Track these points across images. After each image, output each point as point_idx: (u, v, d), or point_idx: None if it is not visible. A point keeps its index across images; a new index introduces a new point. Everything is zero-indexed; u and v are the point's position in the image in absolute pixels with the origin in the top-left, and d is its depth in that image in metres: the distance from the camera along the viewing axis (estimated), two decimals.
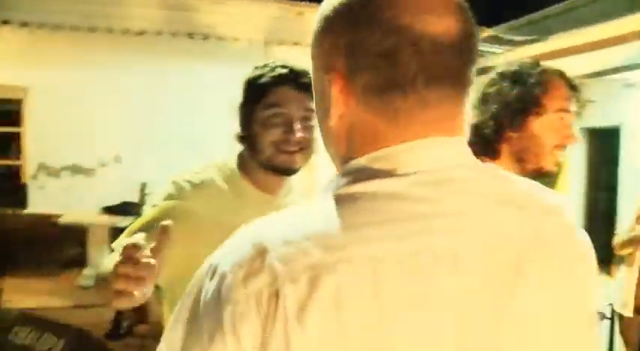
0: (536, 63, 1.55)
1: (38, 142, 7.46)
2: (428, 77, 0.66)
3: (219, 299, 0.61)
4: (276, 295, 0.59)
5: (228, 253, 0.64)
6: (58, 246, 7.26)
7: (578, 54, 5.17)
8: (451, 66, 0.68)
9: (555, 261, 0.69)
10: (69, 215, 6.51)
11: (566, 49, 5.16)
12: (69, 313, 4.87)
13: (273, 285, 0.60)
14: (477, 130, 1.51)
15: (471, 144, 1.50)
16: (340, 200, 0.65)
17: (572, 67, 6.34)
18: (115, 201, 6.43)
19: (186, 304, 0.66)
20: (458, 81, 0.69)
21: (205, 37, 5.21)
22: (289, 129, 1.43)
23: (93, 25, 5.03)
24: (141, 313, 4.72)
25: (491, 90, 1.52)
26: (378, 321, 0.60)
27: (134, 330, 4.75)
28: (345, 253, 0.60)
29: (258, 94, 1.48)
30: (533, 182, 0.77)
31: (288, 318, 0.59)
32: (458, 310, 0.63)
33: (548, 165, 1.50)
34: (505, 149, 1.51)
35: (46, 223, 7.08)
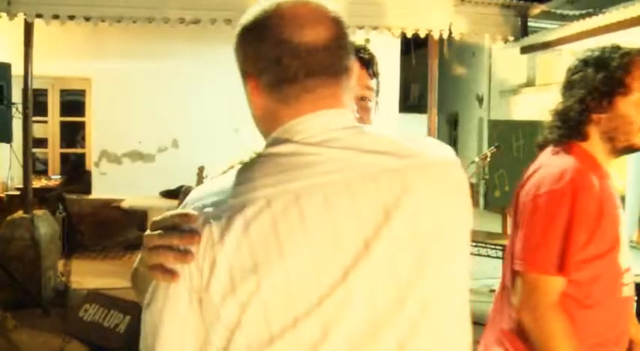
0: (617, 46, 1.64)
1: (100, 130, 7.78)
2: (306, 71, 0.94)
3: None
4: (207, 226, 0.89)
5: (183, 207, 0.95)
6: (121, 229, 7.59)
7: (634, 27, 5.01)
8: (324, 62, 0.95)
9: (413, 190, 0.92)
10: (130, 200, 6.74)
11: (623, 22, 5.01)
12: (132, 293, 5.11)
13: (205, 223, 0.89)
14: (563, 115, 1.65)
15: (558, 128, 1.59)
16: (256, 160, 0.95)
17: (631, 39, 6.19)
18: (173, 185, 6.63)
19: None
20: (332, 71, 0.96)
21: None
22: None
23: (150, 15, 5.18)
24: None
25: (576, 77, 1.62)
26: (273, 236, 0.87)
27: None
28: (249, 196, 0.89)
29: None
30: (418, 138, 1.01)
31: (214, 241, 0.88)
32: (330, 228, 0.89)
33: (638, 141, 1.59)
34: (593, 131, 1.61)
35: (109, 207, 7.41)
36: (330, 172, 0.90)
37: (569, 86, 1.65)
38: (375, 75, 1.52)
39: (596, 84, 1.58)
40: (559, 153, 1.63)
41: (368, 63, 1.49)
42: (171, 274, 0.89)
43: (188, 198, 0.95)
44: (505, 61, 12.73)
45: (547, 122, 1.71)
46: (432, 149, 0.99)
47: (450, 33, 5.73)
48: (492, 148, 4.91)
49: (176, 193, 6.77)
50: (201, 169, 5.03)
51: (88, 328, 3.84)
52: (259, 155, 0.96)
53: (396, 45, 7.80)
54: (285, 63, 0.93)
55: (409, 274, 0.91)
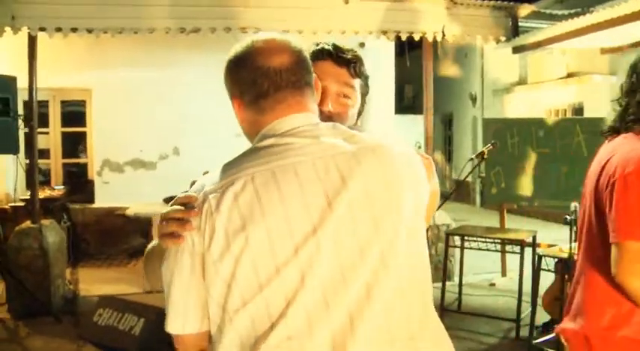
0: None
1: (102, 140, 7.87)
2: (275, 87, 1.24)
3: None
4: (206, 201, 1.15)
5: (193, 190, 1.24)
6: (125, 237, 7.68)
7: (621, 25, 5.15)
8: (288, 79, 1.24)
9: (364, 163, 1.18)
10: (134, 207, 6.83)
11: (609, 21, 5.16)
12: (140, 298, 5.18)
13: (204, 198, 1.16)
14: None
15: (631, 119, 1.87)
16: (244, 153, 1.23)
17: (618, 37, 6.28)
18: (175, 192, 6.71)
19: None
20: (297, 85, 1.26)
21: (256, 31, 5.43)
22: (320, 102, 1.48)
23: (151, 26, 5.29)
24: None
25: None
26: (257, 202, 1.13)
27: None
28: (237, 175, 1.16)
29: None
30: (376, 134, 1.28)
31: (212, 211, 1.14)
32: (300, 194, 1.14)
33: None
34: None
35: (113, 215, 7.50)
36: (299, 154, 1.18)
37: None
38: (357, 75, 1.65)
39: None
40: (632, 138, 1.85)
41: (348, 62, 1.62)
42: (177, 238, 1.16)
43: (193, 186, 1.24)
44: (497, 60, 12.90)
45: (617, 112, 1.93)
46: (385, 140, 1.26)
47: (444, 35, 5.87)
48: (489, 145, 5.03)
49: None
50: (205, 174, 5.16)
51: (102, 332, 3.92)
52: (247, 150, 1.25)
53: (391, 48, 7.93)
54: (259, 83, 1.24)
55: (366, 228, 1.15)
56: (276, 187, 1.14)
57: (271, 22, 5.26)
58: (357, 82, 1.65)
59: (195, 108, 7.73)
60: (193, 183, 1.28)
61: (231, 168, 1.20)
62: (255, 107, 1.26)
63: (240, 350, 1.15)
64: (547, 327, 4.68)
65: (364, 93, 1.70)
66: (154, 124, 7.73)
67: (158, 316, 3.93)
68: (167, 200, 7.16)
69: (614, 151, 1.84)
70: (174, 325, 1.20)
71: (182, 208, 1.18)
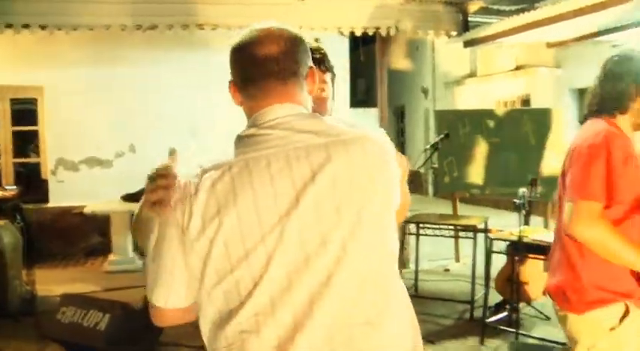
0: None
1: (55, 138, 7.74)
2: (262, 75, 1.32)
3: None
4: (189, 184, 1.26)
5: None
6: (82, 236, 7.59)
7: (565, 20, 5.40)
8: (273, 70, 1.32)
9: (334, 158, 1.25)
10: (92, 205, 6.76)
11: (553, 17, 5.40)
12: (100, 296, 5.16)
13: (188, 183, 1.26)
14: (615, 94, 2.25)
15: (605, 104, 2.29)
16: (236, 140, 1.32)
17: (562, 32, 6.55)
18: (133, 189, 6.70)
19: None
20: (281, 75, 1.33)
21: (214, 28, 5.46)
22: None
23: (106, 23, 5.26)
24: None
25: (622, 69, 2.24)
26: (231, 189, 1.23)
27: None
28: (217, 164, 1.26)
29: None
30: (349, 121, 1.36)
31: (192, 195, 1.24)
32: (270, 185, 1.23)
33: None
34: (631, 107, 2.23)
35: (69, 214, 7.41)
36: (274, 146, 1.27)
37: (614, 75, 2.25)
38: (328, 69, 1.93)
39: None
40: (596, 122, 2.24)
41: (320, 61, 1.85)
42: (164, 206, 1.25)
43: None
44: (448, 54, 13.17)
45: (590, 102, 2.33)
46: (361, 129, 1.35)
47: (397, 30, 6.02)
48: (442, 135, 5.20)
49: (138, 196, 6.82)
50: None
51: (67, 329, 3.91)
52: (238, 135, 1.35)
53: (345, 43, 8.06)
54: (247, 69, 1.34)
55: (330, 220, 1.24)
56: (248, 178, 1.24)
57: (229, 19, 5.31)
58: (328, 76, 1.91)
59: (152, 105, 7.70)
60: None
61: (215, 157, 1.30)
62: (245, 93, 1.36)
63: (219, 323, 1.26)
64: (499, 307, 4.89)
65: (333, 83, 1.96)
66: (109, 121, 7.65)
67: (124, 310, 3.94)
68: (125, 198, 7.13)
69: (579, 133, 2.27)
70: (158, 297, 1.28)
71: (165, 177, 1.27)
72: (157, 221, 1.29)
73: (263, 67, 1.32)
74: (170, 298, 1.28)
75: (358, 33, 5.97)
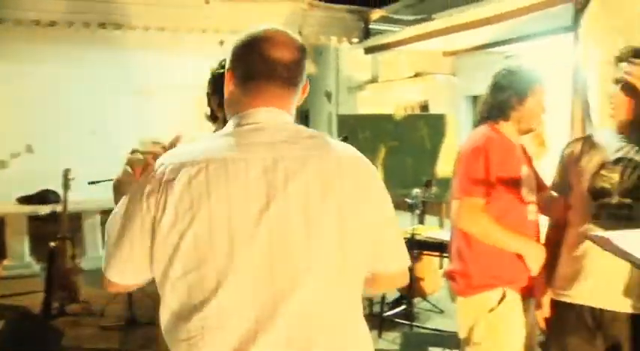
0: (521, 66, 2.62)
1: None
2: (267, 76, 1.36)
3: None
4: (162, 177, 1.28)
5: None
6: None
7: (460, 31, 5.74)
8: (281, 74, 1.36)
9: (308, 166, 1.29)
10: None
11: (449, 28, 5.73)
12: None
13: (162, 175, 1.28)
14: (499, 104, 2.53)
15: (493, 112, 2.64)
16: (215, 136, 1.36)
17: (457, 42, 6.92)
18: (31, 190, 6.45)
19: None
20: (285, 82, 1.37)
21: (118, 27, 5.37)
22: None
23: (2, 16, 5.05)
24: (71, 292, 4.91)
25: (506, 81, 2.53)
26: (205, 187, 1.25)
27: (66, 309, 4.91)
28: (197, 160, 1.28)
29: None
30: (321, 136, 1.40)
31: (168, 188, 1.26)
32: (245, 187, 1.26)
33: (534, 126, 2.58)
34: (513, 116, 2.52)
35: None
36: (254, 151, 1.30)
37: (500, 87, 2.54)
38: None
39: (520, 88, 2.51)
40: (481, 128, 2.54)
41: None
42: (146, 164, 1.33)
43: (161, 157, 1.37)
44: (351, 59, 13.47)
45: (480, 109, 2.61)
46: (333, 143, 1.40)
47: (301, 35, 6.17)
48: (340, 138, 5.39)
49: (36, 199, 6.56)
50: (67, 172, 5.05)
51: None
52: (221, 133, 1.38)
53: None
54: (255, 66, 1.36)
55: (299, 230, 1.27)
56: (225, 179, 1.26)
57: (132, 19, 5.26)
58: None
59: (50, 104, 7.41)
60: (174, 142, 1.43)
61: (194, 150, 1.32)
62: (242, 87, 1.38)
63: (180, 315, 1.29)
64: (396, 302, 5.15)
65: None
66: (3, 120, 7.31)
67: (20, 316, 3.84)
68: (21, 200, 6.84)
69: (468, 137, 2.56)
70: (112, 273, 1.34)
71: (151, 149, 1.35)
72: (128, 196, 1.32)
73: (273, 68, 1.35)
74: (125, 277, 1.34)
75: None
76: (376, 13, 6.76)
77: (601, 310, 2.26)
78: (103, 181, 4.73)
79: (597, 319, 2.27)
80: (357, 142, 6.38)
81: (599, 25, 3.66)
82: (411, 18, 7.01)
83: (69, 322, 4.76)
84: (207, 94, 2.41)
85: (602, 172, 2.25)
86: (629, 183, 2.18)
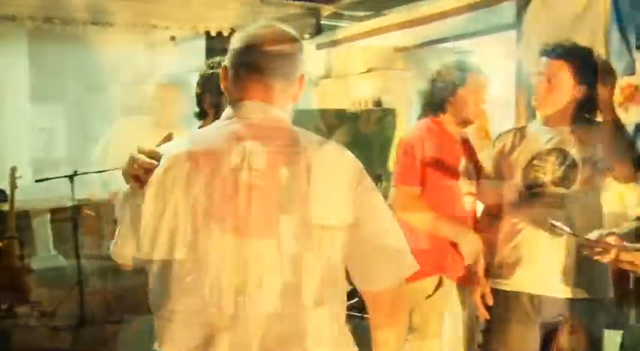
0: (462, 62, 2.80)
1: None
2: (255, 69, 1.44)
3: None
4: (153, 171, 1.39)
5: None
6: None
7: (410, 27, 5.84)
8: (269, 66, 1.45)
9: (286, 161, 1.36)
10: None
11: (398, 24, 5.82)
12: None
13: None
14: (436, 97, 2.70)
15: (431, 105, 2.87)
16: (207, 128, 1.49)
17: (408, 37, 7.03)
18: None
19: None
20: (271, 75, 1.45)
21: (66, 23, 5.25)
22: None
23: None
24: (20, 293, 4.80)
25: (443, 75, 2.70)
26: (183, 180, 1.34)
27: (14, 311, 4.81)
28: (182, 150, 1.37)
29: None
30: (304, 131, 1.49)
31: (157, 174, 1.36)
32: (219, 186, 1.33)
33: (471, 118, 2.75)
34: (449, 107, 2.69)
35: None
36: (243, 142, 1.36)
37: (434, 80, 2.72)
38: None
39: (451, 79, 2.69)
40: (421, 121, 2.73)
41: None
42: (140, 181, 1.38)
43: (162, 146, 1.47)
44: (306, 55, 13.50)
45: (422, 102, 2.77)
46: (315, 139, 1.48)
47: None
48: None
49: None
50: (13, 170, 4.93)
51: None
52: (215, 124, 1.47)
53: (201, 43, 8.05)
54: (245, 59, 1.44)
55: (270, 223, 1.33)
56: (201, 170, 1.34)
57: (79, 13, 5.15)
58: None
59: None
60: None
61: (177, 144, 1.43)
62: (233, 78, 1.47)
63: (160, 300, 1.38)
64: (350, 294, 5.19)
65: None
66: None
67: None
68: None
69: (411, 129, 2.74)
70: (116, 255, 1.51)
71: (150, 159, 1.39)
72: (135, 192, 1.40)
73: (262, 62, 1.43)
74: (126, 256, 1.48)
75: (213, 33, 6.04)
76: (327, 10, 6.80)
77: (539, 296, 2.36)
78: (51, 178, 4.68)
79: (536, 306, 2.37)
80: None
81: (540, 21, 3.78)
82: (361, 14, 7.08)
83: (18, 324, 4.67)
84: (197, 94, 2.58)
85: (535, 162, 2.35)
86: (560, 172, 2.28)
